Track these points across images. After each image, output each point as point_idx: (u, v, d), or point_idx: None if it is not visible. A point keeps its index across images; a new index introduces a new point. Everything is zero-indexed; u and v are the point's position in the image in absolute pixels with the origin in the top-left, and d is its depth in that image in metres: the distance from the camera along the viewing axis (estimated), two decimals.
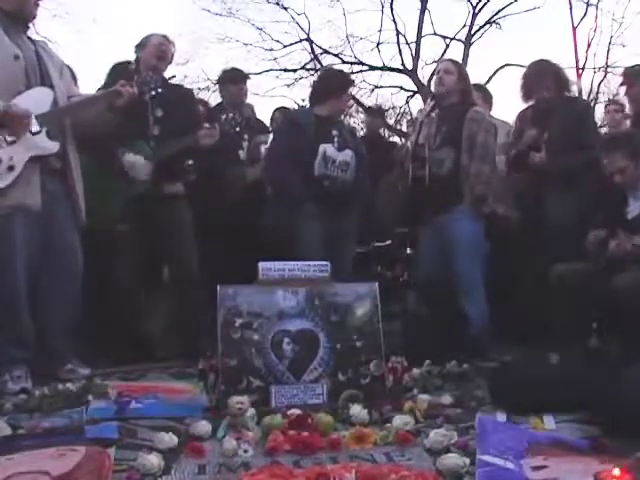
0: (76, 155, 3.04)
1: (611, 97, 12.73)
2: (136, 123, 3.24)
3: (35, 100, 2.85)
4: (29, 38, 2.99)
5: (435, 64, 4.32)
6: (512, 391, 2.36)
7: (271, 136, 4.10)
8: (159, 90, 3.17)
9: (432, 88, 3.63)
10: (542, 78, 3.59)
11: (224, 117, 3.46)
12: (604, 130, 4.35)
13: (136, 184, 3.30)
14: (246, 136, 4.03)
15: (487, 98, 4.52)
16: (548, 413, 2.20)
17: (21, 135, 2.77)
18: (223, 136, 3.39)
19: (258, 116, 4.61)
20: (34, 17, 2.99)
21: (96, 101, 3.06)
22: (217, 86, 4.70)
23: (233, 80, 4.24)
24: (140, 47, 3.51)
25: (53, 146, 2.87)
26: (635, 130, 3.21)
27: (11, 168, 2.76)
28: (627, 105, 4.28)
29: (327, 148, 3.53)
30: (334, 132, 3.61)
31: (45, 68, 2.94)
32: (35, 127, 2.81)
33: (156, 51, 3.45)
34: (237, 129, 3.55)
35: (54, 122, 2.89)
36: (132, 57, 3.54)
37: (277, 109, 4.87)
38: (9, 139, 2.75)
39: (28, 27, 3.01)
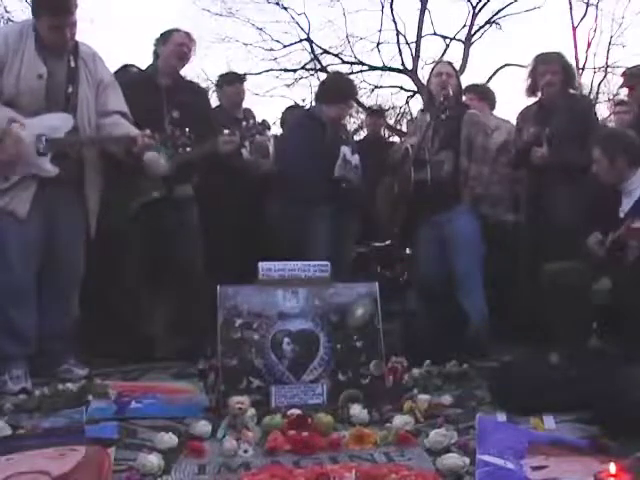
0: (95, 167, 3.03)
1: (611, 97, 12.77)
2: (152, 123, 3.20)
3: (52, 124, 2.86)
4: (73, 52, 2.96)
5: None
6: (512, 391, 2.36)
7: (277, 133, 4.07)
8: (187, 149, 3.08)
9: (433, 90, 3.59)
10: (550, 62, 3.56)
11: (244, 124, 3.45)
12: None
13: (150, 184, 3.29)
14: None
15: (486, 97, 4.52)
16: (548, 413, 2.20)
17: (14, 163, 2.78)
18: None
19: (258, 116, 4.61)
20: (69, 46, 2.96)
21: (111, 142, 3.03)
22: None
23: (229, 81, 4.23)
24: (161, 41, 3.45)
25: (52, 170, 2.85)
26: (613, 130, 3.22)
27: (6, 178, 2.80)
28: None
29: (346, 151, 3.56)
30: (343, 135, 3.65)
31: (74, 89, 2.93)
32: (43, 149, 2.81)
33: (177, 52, 3.41)
34: (257, 136, 3.54)
35: (64, 149, 2.89)
36: (132, 57, 3.53)
37: (289, 107, 4.86)
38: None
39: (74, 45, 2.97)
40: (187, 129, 3.05)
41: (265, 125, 3.54)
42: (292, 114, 4.62)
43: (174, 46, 3.41)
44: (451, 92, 3.44)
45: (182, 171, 3.30)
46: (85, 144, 3.01)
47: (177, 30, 3.49)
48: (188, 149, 3.08)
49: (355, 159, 3.63)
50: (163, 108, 3.33)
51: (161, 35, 3.48)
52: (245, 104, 4.41)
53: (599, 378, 2.22)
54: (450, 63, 3.91)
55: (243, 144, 3.81)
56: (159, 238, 3.34)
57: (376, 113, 5.53)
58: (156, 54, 3.50)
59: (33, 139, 2.81)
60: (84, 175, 3.00)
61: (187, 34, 3.49)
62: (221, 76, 4.39)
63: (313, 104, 4.04)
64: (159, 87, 3.41)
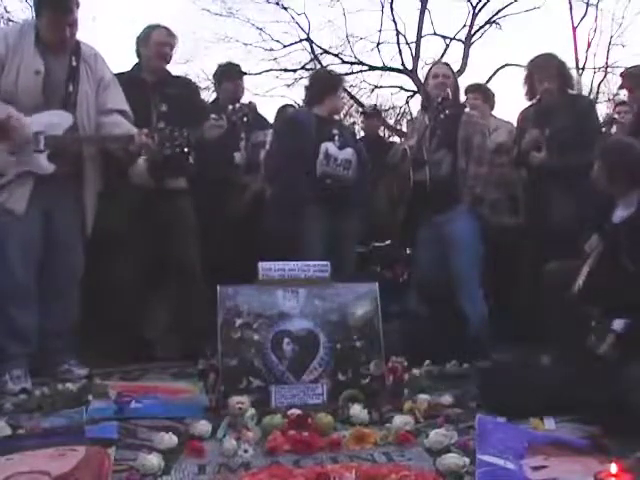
0: (93, 166, 3.03)
1: (611, 97, 12.77)
2: (141, 118, 3.21)
3: (51, 121, 2.87)
4: (75, 51, 2.98)
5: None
6: (499, 393, 2.35)
7: (269, 136, 4.06)
8: (185, 150, 3.07)
9: (430, 92, 3.59)
10: (545, 69, 3.58)
11: (231, 108, 3.42)
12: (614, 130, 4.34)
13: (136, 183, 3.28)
14: (243, 135, 4.00)
15: (488, 98, 4.53)
16: (535, 415, 2.19)
17: (20, 145, 2.81)
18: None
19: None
20: (70, 47, 2.98)
21: (109, 140, 3.03)
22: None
23: (229, 76, 4.18)
24: (141, 42, 3.46)
25: (48, 168, 2.86)
26: (617, 143, 3.18)
27: (0, 175, 2.81)
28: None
29: (329, 146, 3.53)
30: (334, 131, 3.62)
31: (74, 88, 2.94)
32: (41, 146, 2.82)
33: (158, 53, 3.42)
34: (244, 119, 3.51)
35: (62, 147, 2.90)
36: (131, 56, 3.52)
37: (283, 106, 4.82)
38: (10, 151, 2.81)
39: (75, 44, 2.99)
40: (185, 132, 3.03)
41: (251, 107, 3.50)
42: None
43: (155, 47, 3.42)
44: (450, 93, 3.44)
45: (171, 162, 3.28)
46: (83, 142, 3.01)
47: (156, 27, 3.47)
48: (186, 149, 3.07)
49: (345, 154, 3.56)
50: (150, 103, 3.33)
51: (141, 34, 3.47)
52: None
53: (598, 378, 2.22)
54: (447, 64, 3.91)
55: (237, 145, 3.78)
56: (155, 232, 3.34)
57: (371, 115, 5.49)
58: (138, 54, 3.49)
59: (31, 136, 2.82)
60: (82, 173, 3.00)
61: (166, 30, 3.47)
62: (220, 67, 4.30)
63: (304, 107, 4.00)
64: (146, 83, 3.42)
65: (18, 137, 2.80)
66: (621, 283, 2.74)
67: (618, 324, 2.67)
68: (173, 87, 3.42)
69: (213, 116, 3.25)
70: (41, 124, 2.84)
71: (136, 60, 3.55)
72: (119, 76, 3.36)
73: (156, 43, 3.42)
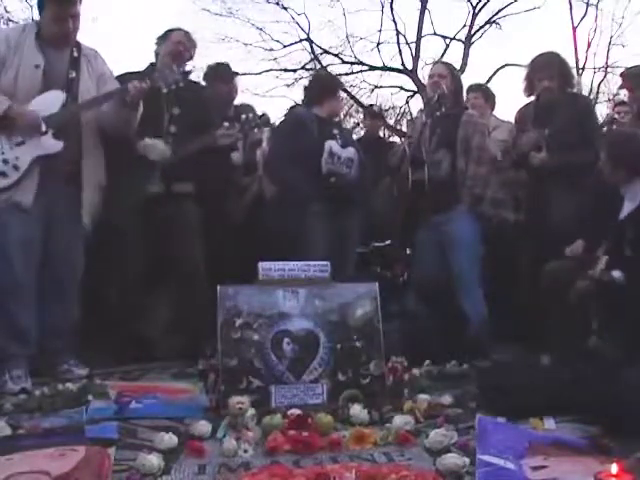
0: (94, 161, 3.05)
1: (611, 97, 12.77)
2: (153, 121, 3.22)
3: (46, 102, 2.89)
4: (76, 47, 3.02)
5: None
6: (499, 393, 2.35)
7: (266, 133, 4.05)
8: (181, 84, 3.11)
9: (428, 91, 3.61)
10: (546, 67, 3.58)
11: (244, 117, 3.44)
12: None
13: (149, 181, 3.29)
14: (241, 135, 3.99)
15: (489, 98, 4.53)
16: (535, 415, 2.20)
17: (30, 134, 2.83)
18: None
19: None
20: (72, 42, 3.02)
21: (104, 99, 3.03)
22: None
23: (223, 78, 4.13)
24: (160, 41, 3.50)
25: (57, 145, 2.88)
26: (621, 134, 3.20)
27: (16, 167, 2.83)
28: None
29: (332, 144, 3.54)
30: (335, 130, 3.65)
31: (75, 80, 2.97)
32: (43, 128, 2.84)
33: (172, 50, 3.44)
34: (255, 130, 3.52)
35: (62, 123, 2.91)
36: (132, 55, 3.54)
37: (292, 107, 4.81)
38: (18, 140, 2.84)
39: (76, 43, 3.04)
40: (176, 70, 3.11)
41: (265, 119, 3.51)
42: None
43: (170, 45, 3.45)
44: (445, 89, 3.45)
45: (180, 166, 3.30)
46: (81, 110, 3.01)
47: (176, 29, 3.51)
48: (181, 84, 3.14)
49: (347, 152, 3.58)
50: (163, 105, 3.34)
51: (161, 35, 3.51)
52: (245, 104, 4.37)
53: (597, 378, 2.22)
54: (445, 64, 3.91)
55: (236, 144, 3.80)
56: (157, 235, 3.34)
57: (375, 115, 5.49)
58: (156, 54, 3.52)
59: (36, 117, 2.83)
60: (82, 172, 2.99)
61: (186, 33, 3.51)
62: (211, 68, 4.23)
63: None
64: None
65: (23, 123, 2.82)
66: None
67: (617, 273, 2.76)
68: (186, 91, 3.42)
69: (226, 124, 3.27)
70: (37, 107, 2.85)
71: (139, 61, 3.58)
72: (131, 75, 3.37)
73: (173, 42, 3.45)
